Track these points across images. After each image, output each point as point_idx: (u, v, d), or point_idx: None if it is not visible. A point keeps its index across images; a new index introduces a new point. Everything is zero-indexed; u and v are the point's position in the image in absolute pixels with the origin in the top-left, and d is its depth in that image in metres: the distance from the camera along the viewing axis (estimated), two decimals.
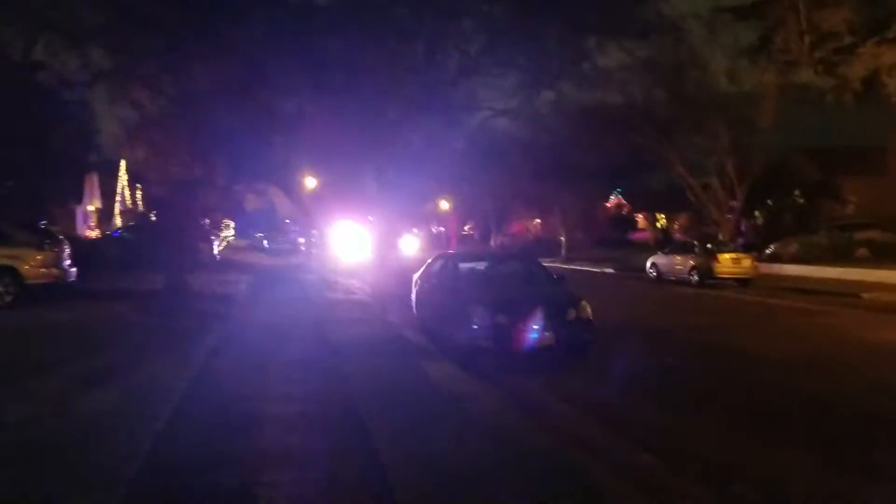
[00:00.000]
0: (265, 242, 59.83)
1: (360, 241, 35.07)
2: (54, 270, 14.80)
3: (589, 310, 9.81)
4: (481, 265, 12.11)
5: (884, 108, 22.61)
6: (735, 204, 30.81)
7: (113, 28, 12.55)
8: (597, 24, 14.31)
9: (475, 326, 9.40)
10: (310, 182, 32.46)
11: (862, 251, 28.31)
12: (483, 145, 30.18)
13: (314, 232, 37.01)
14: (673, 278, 24.79)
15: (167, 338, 10.39)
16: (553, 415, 7.00)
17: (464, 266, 11.83)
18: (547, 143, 31.44)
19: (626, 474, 5.11)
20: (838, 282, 21.99)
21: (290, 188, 34.73)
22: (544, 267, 12.27)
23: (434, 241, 63.12)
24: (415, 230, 58.73)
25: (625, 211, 57.89)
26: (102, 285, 16.92)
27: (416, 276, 13.39)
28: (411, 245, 54.26)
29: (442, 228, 66.07)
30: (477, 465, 5.17)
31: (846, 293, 18.92)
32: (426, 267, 13.03)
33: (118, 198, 43.71)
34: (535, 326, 9.36)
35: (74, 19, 12.54)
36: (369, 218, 34.21)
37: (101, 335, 10.53)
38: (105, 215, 42.30)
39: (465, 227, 68.00)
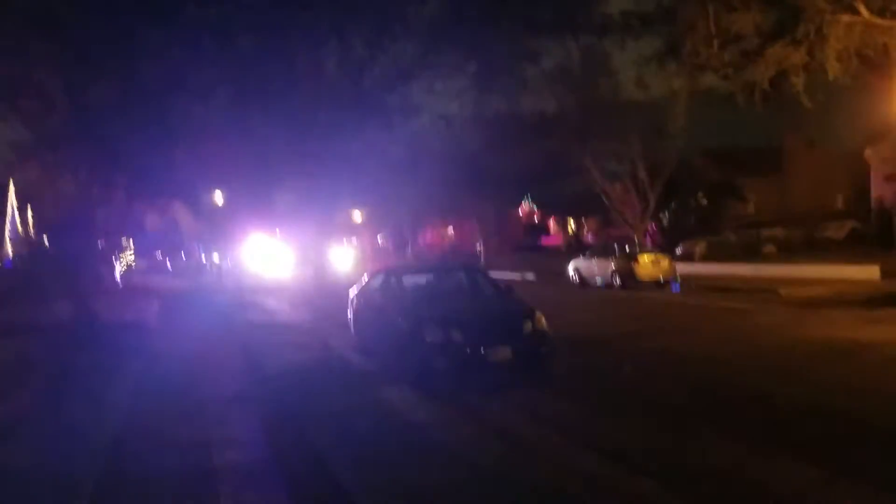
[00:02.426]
0: (168, 263, 57.16)
1: (276, 256, 33.73)
2: None
3: (544, 321, 9.35)
4: (425, 279, 11.47)
5: (781, 110, 23.23)
6: (647, 206, 31.49)
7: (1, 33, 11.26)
8: (516, 28, 14.05)
9: (427, 345, 8.75)
10: (218, 197, 30.97)
11: (769, 248, 29.46)
12: (397, 154, 29.52)
13: (223, 249, 35.44)
14: (596, 283, 24.80)
15: (81, 377, 9.25)
16: (528, 438, 6.44)
17: (407, 280, 11.15)
18: (462, 150, 31.18)
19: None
20: (752, 279, 22.55)
21: (196, 204, 33.08)
22: (490, 277, 11.76)
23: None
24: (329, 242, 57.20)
25: (536, 217, 58.60)
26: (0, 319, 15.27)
27: (352, 293, 12.58)
28: (346, 259, 50.94)
29: (354, 240, 64.87)
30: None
31: (764, 290, 19.35)
32: (364, 283, 12.26)
33: (7, 223, 40.46)
34: (492, 341, 8.82)
35: None
36: (276, 230, 32.77)
37: (6, 378, 9.26)
38: None
39: (378, 238, 67.03)
